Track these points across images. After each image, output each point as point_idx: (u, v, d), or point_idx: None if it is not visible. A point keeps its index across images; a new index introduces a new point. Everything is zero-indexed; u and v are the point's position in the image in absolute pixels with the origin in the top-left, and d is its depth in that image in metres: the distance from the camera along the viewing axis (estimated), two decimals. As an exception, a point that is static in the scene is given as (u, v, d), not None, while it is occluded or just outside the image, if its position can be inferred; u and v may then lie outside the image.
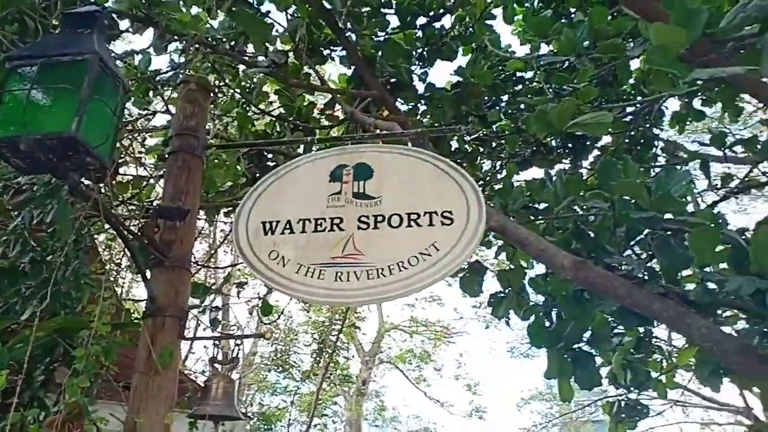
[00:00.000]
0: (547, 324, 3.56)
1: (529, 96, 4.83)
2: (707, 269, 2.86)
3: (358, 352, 16.43)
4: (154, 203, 3.26)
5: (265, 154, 4.08)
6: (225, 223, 6.47)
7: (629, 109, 4.93)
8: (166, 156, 2.34)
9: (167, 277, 2.09)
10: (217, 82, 4.56)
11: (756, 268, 2.47)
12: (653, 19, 2.53)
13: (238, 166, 3.64)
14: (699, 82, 4.23)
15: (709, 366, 2.98)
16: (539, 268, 3.95)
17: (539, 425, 18.29)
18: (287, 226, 2.07)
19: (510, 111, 5.32)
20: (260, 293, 5.45)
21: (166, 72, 4.17)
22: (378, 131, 2.57)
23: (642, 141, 5.25)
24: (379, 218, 2.04)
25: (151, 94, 4.46)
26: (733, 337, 2.74)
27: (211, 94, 3.12)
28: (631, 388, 3.82)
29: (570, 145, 5.37)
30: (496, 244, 4.80)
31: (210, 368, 2.17)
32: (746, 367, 2.67)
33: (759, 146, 4.01)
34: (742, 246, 2.67)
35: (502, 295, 4.12)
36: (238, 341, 2.23)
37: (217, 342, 2.19)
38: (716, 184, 4.17)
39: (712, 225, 2.77)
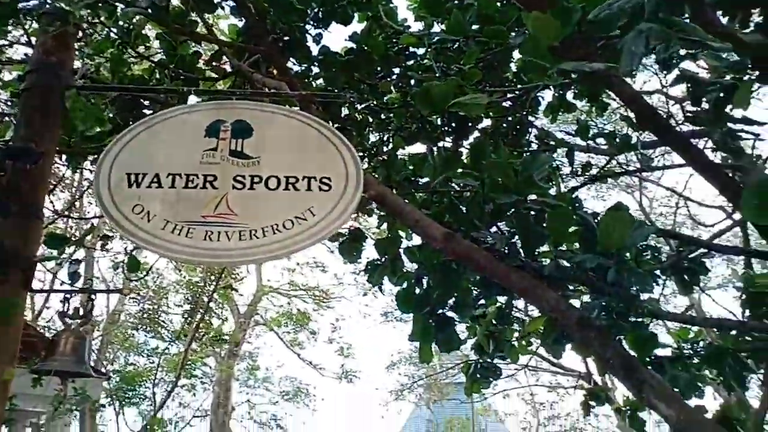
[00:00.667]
0: (417, 291, 3.74)
1: (419, 72, 4.92)
2: (561, 247, 3.15)
3: (233, 314, 16.16)
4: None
5: (142, 101, 3.80)
6: (91, 171, 5.98)
7: (510, 96, 5.20)
8: (20, 92, 2.11)
9: (14, 225, 1.91)
10: (90, 19, 4.15)
11: (602, 249, 2.77)
12: (535, 10, 2.69)
13: (107, 111, 3.36)
14: (573, 75, 4.56)
15: (553, 334, 3.31)
16: (416, 240, 4.11)
17: (406, 386, 19.32)
18: (155, 180, 1.97)
19: (400, 84, 5.40)
20: (128, 248, 5.15)
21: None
22: (266, 90, 2.48)
23: (518, 127, 5.58)
24: (256, 179, 2.00)
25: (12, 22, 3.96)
26: (576, 309, 3.05)
27: (80, 32, 2.84)
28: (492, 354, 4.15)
29: (453, 124, 5.58)
30: (378, 213, 4.91)
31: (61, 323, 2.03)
32: (584, 336, 3.00)
33: (617, 140, 4.44)
34: (593, 228, 2.97)
35: (378, 262, 4.24)
36: (93, 296, 2.10)
37: (69, 296, 2.05)
38: (577, 171, 4.55)
39: (569, 207, 3.05)
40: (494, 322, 4.07)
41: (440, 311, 3.61)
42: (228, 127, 2.08)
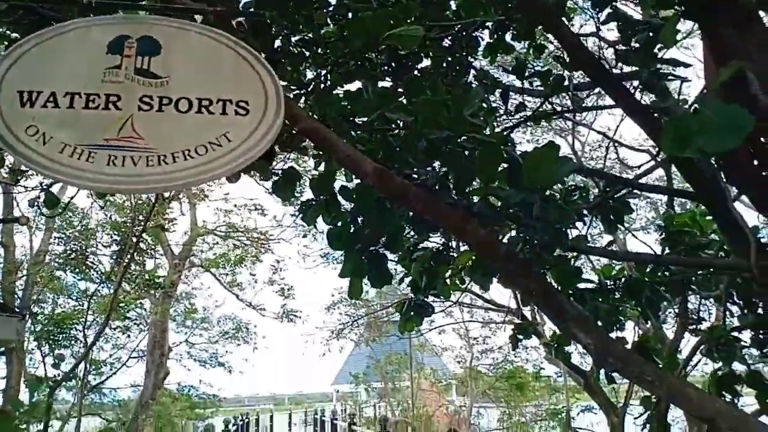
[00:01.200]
0: (352, 229, 3.71)
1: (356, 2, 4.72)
2: (491, 185, 3.17)
3: (167, 255, 15.77)
4: None
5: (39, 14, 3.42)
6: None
7: (449, 35, 5.09)
8: None
9: None
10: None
11: (528, 184, 2.80)
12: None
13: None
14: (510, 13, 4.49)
15: (481, 268, 3.39)
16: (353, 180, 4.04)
17: (346, 325, 19.71)
18: (51, 99, 1.78)
19: (337, 16, 5.17)
20: (44, 183, 4.84)
21: None
22: (179, 5, 2.26)
23: (458, 68, 5.51)
24: (165, 100, 1.84)
25: None
26: (503, 244, 3.11)
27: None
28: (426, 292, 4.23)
29: (393, 63, 5.44)
30: (313, 153, 4.79)
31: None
32: (509, 269, 3.07)
33: (551, 80, 4.46)
34: (521, 166, 2.99)
35: (313, 202, 4.17)
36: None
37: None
38: (512, 112, 4.56)
39: (500, 145, 3.05)
40: (430, 261, 4.12)
41: (372, 248, 3.61)
42: (133, 43, 1.89)
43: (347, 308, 20.32)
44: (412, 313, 4.44)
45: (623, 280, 4.04)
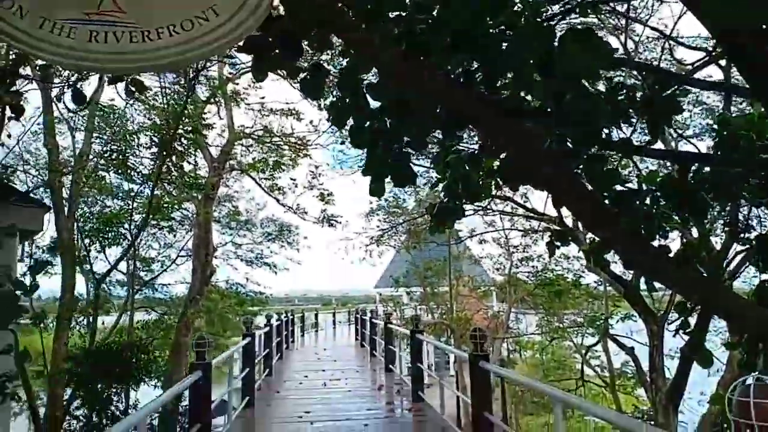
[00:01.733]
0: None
1: None
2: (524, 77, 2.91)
3: (206, 159, 15.97)
4: None
5: None
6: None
7: None
8: None
9: None
10: None
11: (562, 72, 2.54)
12: None
13: None
14: None
15: (512, 169, 3.20)
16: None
17: (385, 231, 19.97)
18: (25, -32, 1.63)
19: None
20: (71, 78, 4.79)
21: None
22: None
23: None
24: (146, -30, 1.66)
25: None
26: (535, 139, 2.90)
27: None
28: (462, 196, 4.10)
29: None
30: (338, 48, 4.54)
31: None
32: (542, 169, 2.89)
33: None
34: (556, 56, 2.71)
35: (341, 102, 3.99)
36: None
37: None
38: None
39: (536, 30, 2.76)
40: (464, 166, 3.95)
41: (396, 146, 3.46)
42: None
43: (386, 216, 20.48)
44: (442, 215, 4.35)
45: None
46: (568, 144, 2.92)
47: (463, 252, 24.35)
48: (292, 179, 17.55)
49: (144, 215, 13.12)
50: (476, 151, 3.96)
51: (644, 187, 3.79)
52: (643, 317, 12.45)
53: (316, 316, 27.58)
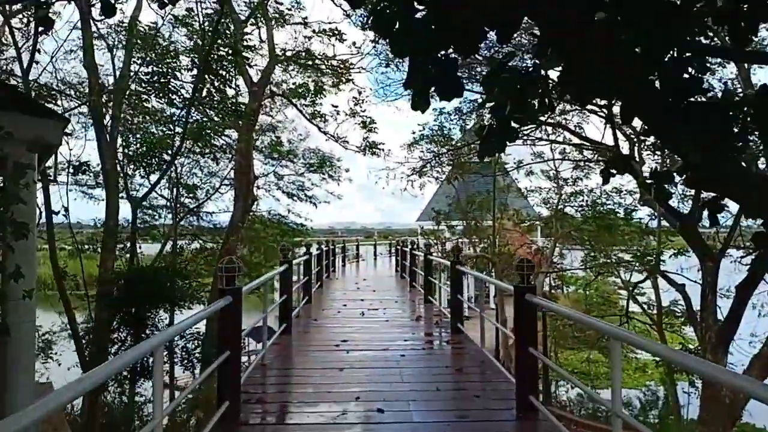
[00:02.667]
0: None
1: None
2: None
3: (246, 83, 15.54)
4: None
5: None
6: None
7: None
8: None
9: None
10: None
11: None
12: None
13: None
14: None
15: (569, 72, 2.73)
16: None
17: (427, 162, 19.42)
18: None
19: None
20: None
21: None
22: None
23: None
24: None
25: None
26: (599, 45, 2.43)
27: None
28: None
29: None
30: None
31: None
32: (606, 76, 2.42)
33: None
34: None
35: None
36: None
37: None
38: None
39: None
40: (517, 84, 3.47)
41: (441, 54, 3.01)
42: None
43: (430, 146, 19.81)
44: (493, 139, 3.92)
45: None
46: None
47: (509, 185, 23.65)
48: (334, 106, 17.11)
49: (189, 141, 12.94)
50: (531, 68, 3.48)
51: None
52: (698, 253, 11.82)
53: (357, 247, 27.77)
